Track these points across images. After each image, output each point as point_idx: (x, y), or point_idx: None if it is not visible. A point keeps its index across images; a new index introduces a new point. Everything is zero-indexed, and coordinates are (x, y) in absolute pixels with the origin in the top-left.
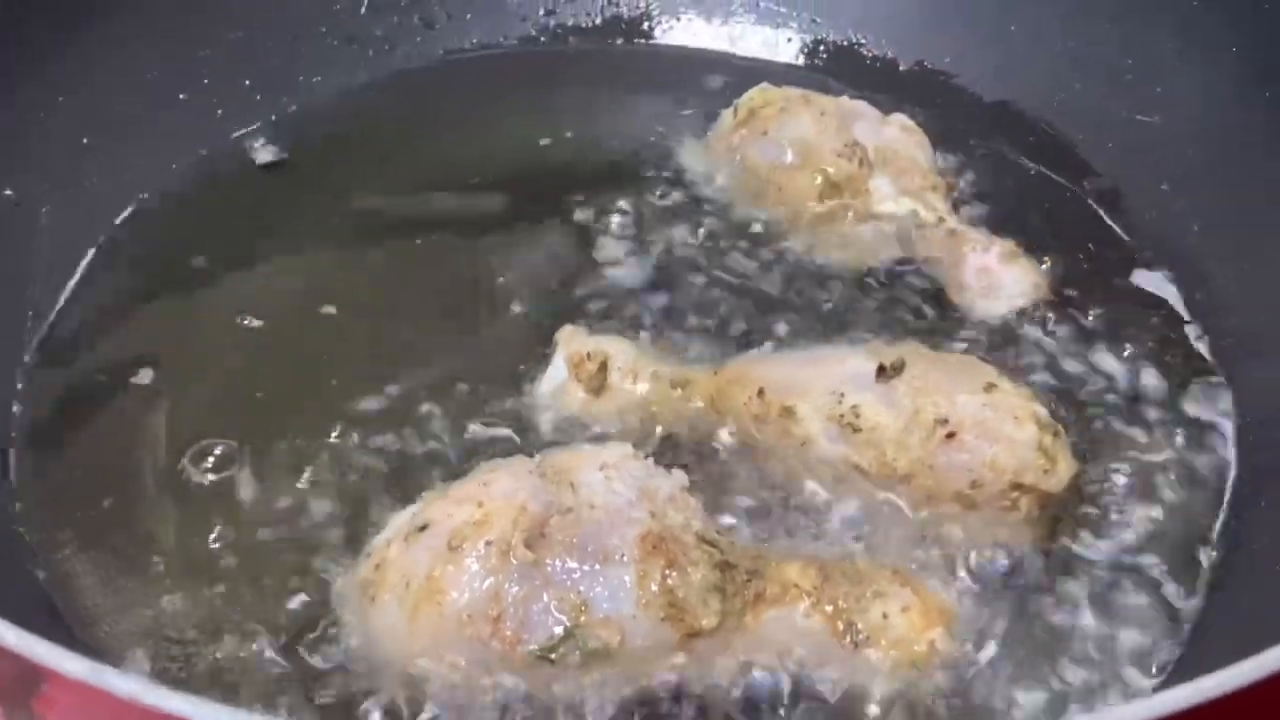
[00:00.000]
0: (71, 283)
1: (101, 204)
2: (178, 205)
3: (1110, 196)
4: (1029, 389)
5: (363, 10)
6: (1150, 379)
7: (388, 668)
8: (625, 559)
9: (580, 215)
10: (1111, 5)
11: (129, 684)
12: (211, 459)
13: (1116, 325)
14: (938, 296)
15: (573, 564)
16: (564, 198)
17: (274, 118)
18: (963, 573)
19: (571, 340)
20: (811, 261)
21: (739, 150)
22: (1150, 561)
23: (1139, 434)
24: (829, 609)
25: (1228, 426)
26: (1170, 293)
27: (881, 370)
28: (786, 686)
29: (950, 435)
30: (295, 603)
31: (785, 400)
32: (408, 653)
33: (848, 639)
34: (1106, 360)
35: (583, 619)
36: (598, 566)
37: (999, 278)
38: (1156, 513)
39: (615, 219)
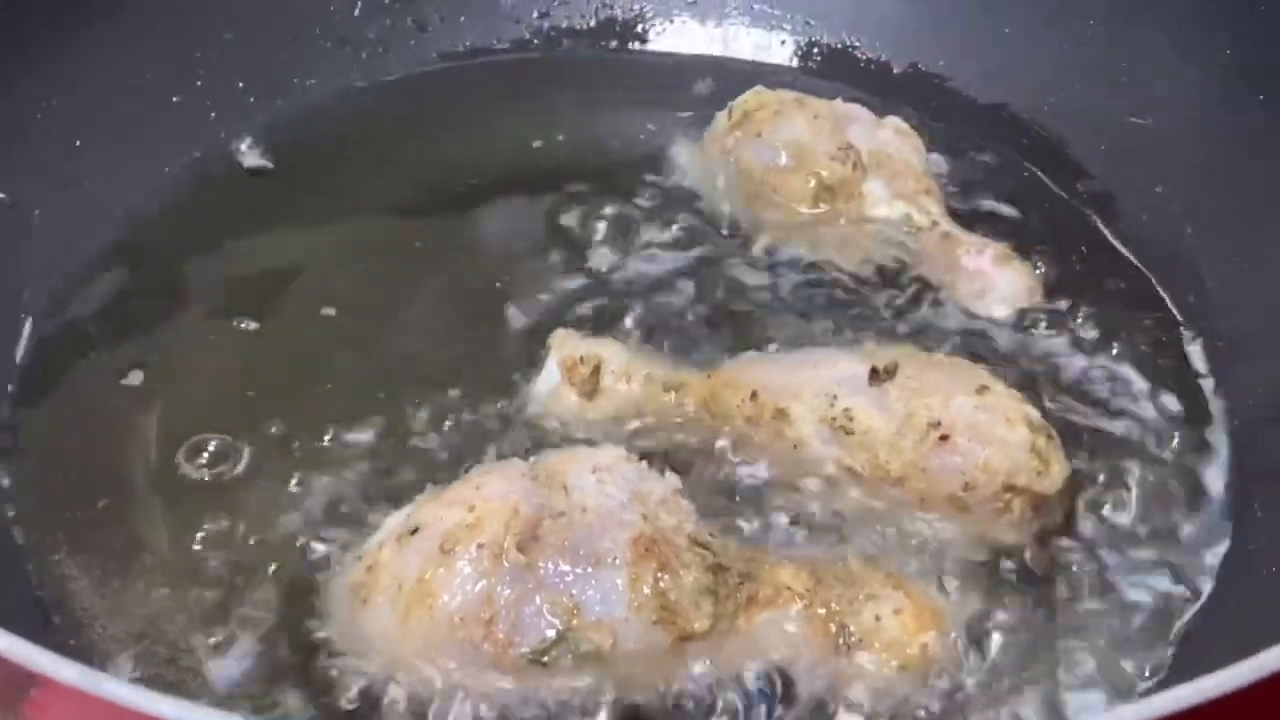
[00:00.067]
0: (64, 285)
1: (94, 206)
2: (171, 207)
3: (1104, 199)
4: (1019, 391)
5: (356, 12)
6: (1143, 381)
7: (380, 671)
8: (617, 562)
9: (574, 218)
10: (1105, 8)
11: (120, 689)
12: (206, 455)
13: (1109, 328)
14: (931, 299)
15: (565, 567)
16: (558, 200)
17: (267, 120)
18: (955, 575)
19: (564, 343)
20: (805, 264)
21: (733, 153)
22: (1143, 563)
23: (1132, 436)
24: (821, 612)
25: (1221, 429)
26: (1163, 295)
27: (874, 373)
28: (779, 689)
29: (943, 438)
30: (287, 606)
31: (778, 403)
32: (399, 655)
33: (840, 642)
34: (1099, 362)
35: (575, 622)
36: (590, 569)
37: (992, 280)
38: (1150, 515)
39: (608, 222)
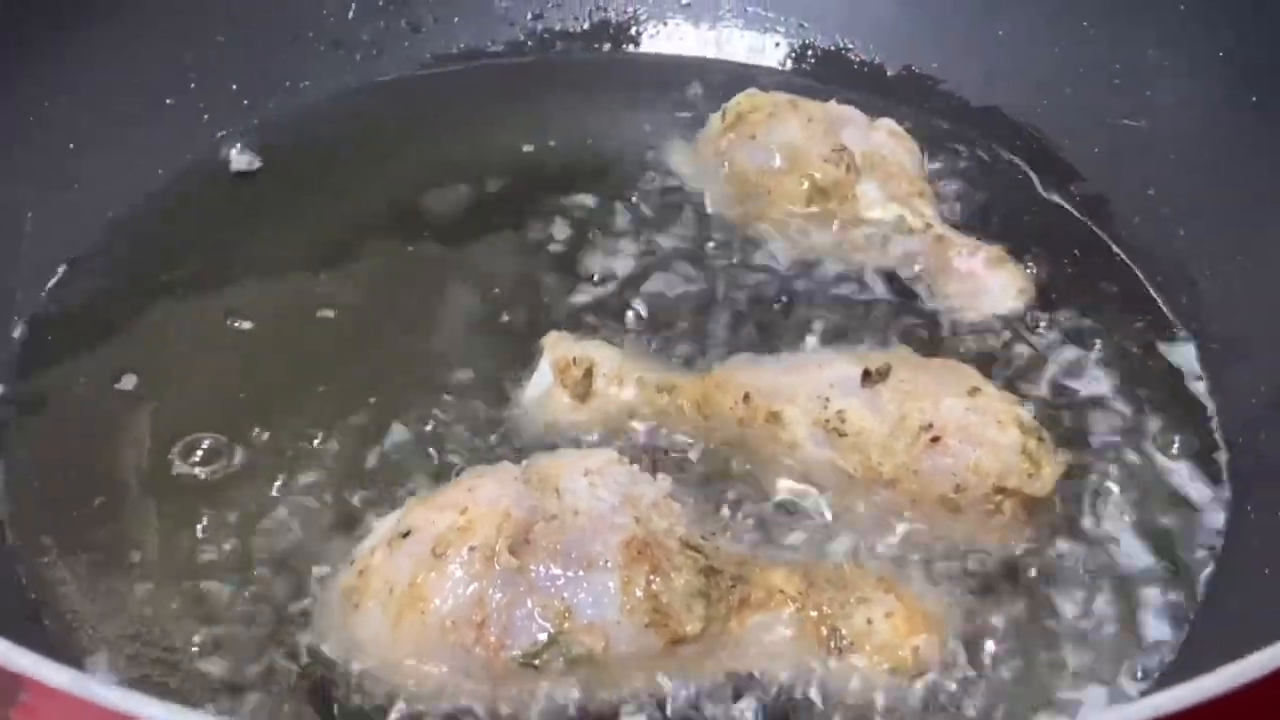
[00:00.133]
0: (57, 286)
1: (87, 208)
2: (164, 210)
3: (1097, 201)
4: (1013, 393)
5: (350, 14)
6: (1135, 384)
7: (371, 675)
8: (609, 565)
9: (566, 220)
10: (1098, 10)
11: (109, 692)
12: (199, 453)
13: (1102, 330)
14: (924, 301)
15: (557, 570)
16: (551, 203)
17: (260, 122)
18: (947, 578)
19: (557, 346)
20: (798, 266)
21: (726, 155)
22: (1136, 565)
23: (1125, 438)
24: (813, 614)
25: (1213, 432)
26: (1156, 297)
27: (867, 375)
28: (771, 692)
29: (935, 439)
30: (279, 609)
31: (771, 405)
32: (391, 660)
33: (832, 645)
34: (1091, 364)
35: (566, 625)
36: (582, 572)
37: (985, 283)
38: (1142, 517)
39: (601, 224)
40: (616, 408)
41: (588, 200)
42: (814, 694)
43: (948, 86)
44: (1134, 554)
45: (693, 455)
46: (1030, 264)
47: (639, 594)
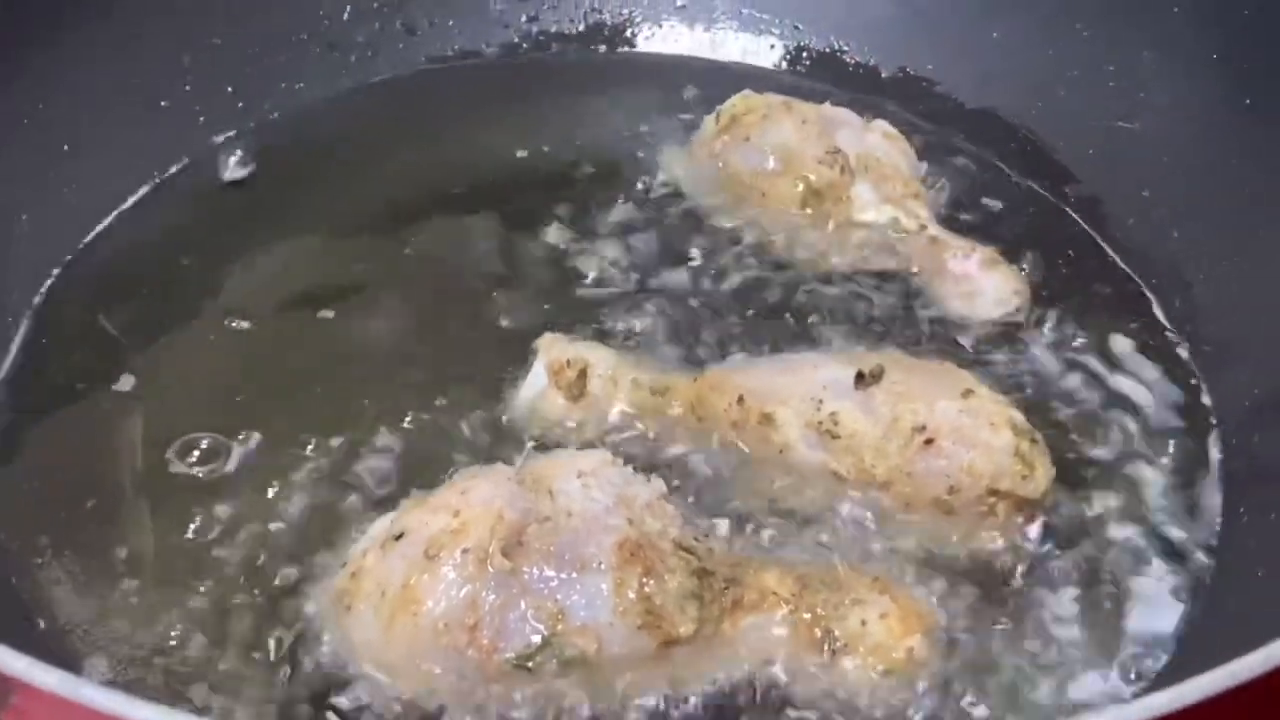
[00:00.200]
0: (51, 289)
1: (81, 210)
2: (159, 211)
3: (1090, 203)
4: (1006, 395)
5: (345, 16)
6: (1129, 385)
7: (364, 677)
8: (602, 566)
9: (561, 222)
10: (1093, 13)
11: (100, 695)
12: (197, 452)
13: (1096, 332)
14: (918, 303)
15: (550, 572)
16: (546, 204)
17: (256, 124)
18: (941, 579)
19: (551, 347)
20: (792, 268)
21: (721, 157)
22: (1130, 567)
23: (1118, 440)
24: (807, 616)
25: (1207, 433)
26: (1150, 299)
27: (860, 377)
28: (765, 694)
29: (928, 442)
30: (273, 611)
31: (764, 407)
32: (384, 662)
33: (826, 646)
34: (1085, 366)
35: (560, 627)
36: (575, 574)
37: (979, 284)
38: (1135, 519)
39: (596, 226)
40: (610, 409)
41: (582, 201)
42: (808, 695)
43: (942, 88)
44: (1128, 555)
45: (686, 457)
46: (1024, 266)
47: (632, 596)
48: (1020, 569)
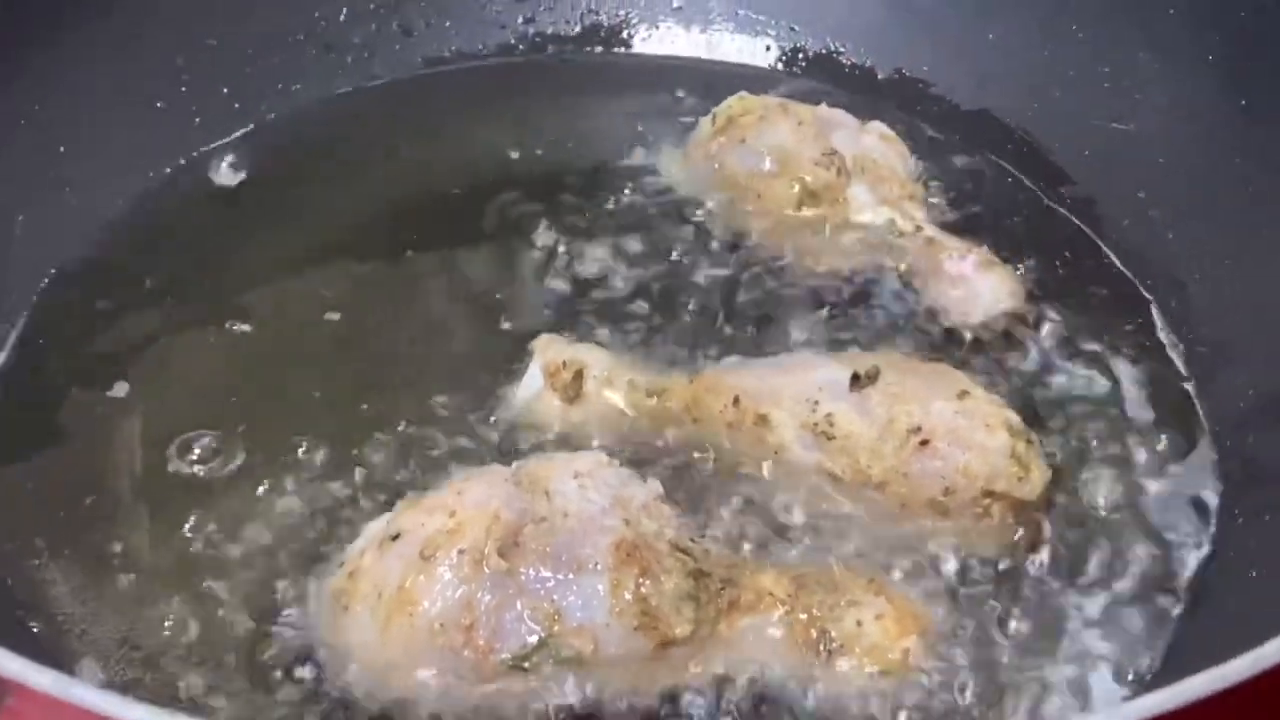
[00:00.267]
0: (48, 289)
1: (77, 212)
2: (156, 213)
3: (1086, 204)
4: (1002, 396)
5: (341, 18)
6: (1125, 387)
7: (360, 678)
8: (599, 567)
9: (557, 223)
10: (1089, 14)
11: (95, 696)
12: (197, 450)
13: (1091, 333)
14: (913, 304)
15: (546, 573)
16: (542, 205)
17: (252, 126)
18: (936, 580)
19: (547, 348)
20: (788, 269)
21: (717, 158)
22: (1125, 569)
23: (1113, 442)
24: (803, 617)
25: (1203, 435)
26: (1146, 300)
27: (855, 378)
28: (761, 695)
29: (923, 443)
30: (269, 613)
31: (760, 408)
32: (380, 662)
33: (821, 647)
34: (1081, 367)
35: (556, 628)
36: (571, 575)
37: (975, 286)
38: (1131, 521)
39: (592, 227)
40: (606, 410)
41: (578, 203)
42: (804, 697)
43: (938, 90)
44: (1123, 557)
45: (683, 458)
46: (1020, 267)
47: (628, 597)
48: (1014, 570)
